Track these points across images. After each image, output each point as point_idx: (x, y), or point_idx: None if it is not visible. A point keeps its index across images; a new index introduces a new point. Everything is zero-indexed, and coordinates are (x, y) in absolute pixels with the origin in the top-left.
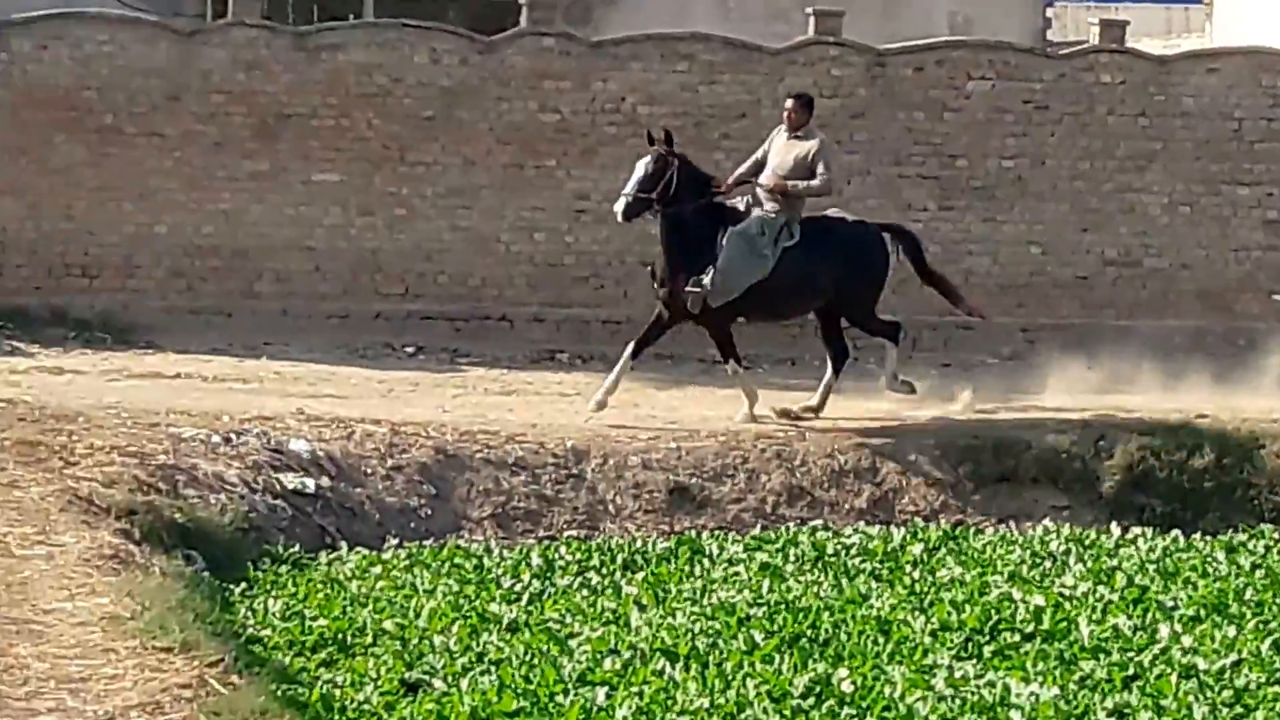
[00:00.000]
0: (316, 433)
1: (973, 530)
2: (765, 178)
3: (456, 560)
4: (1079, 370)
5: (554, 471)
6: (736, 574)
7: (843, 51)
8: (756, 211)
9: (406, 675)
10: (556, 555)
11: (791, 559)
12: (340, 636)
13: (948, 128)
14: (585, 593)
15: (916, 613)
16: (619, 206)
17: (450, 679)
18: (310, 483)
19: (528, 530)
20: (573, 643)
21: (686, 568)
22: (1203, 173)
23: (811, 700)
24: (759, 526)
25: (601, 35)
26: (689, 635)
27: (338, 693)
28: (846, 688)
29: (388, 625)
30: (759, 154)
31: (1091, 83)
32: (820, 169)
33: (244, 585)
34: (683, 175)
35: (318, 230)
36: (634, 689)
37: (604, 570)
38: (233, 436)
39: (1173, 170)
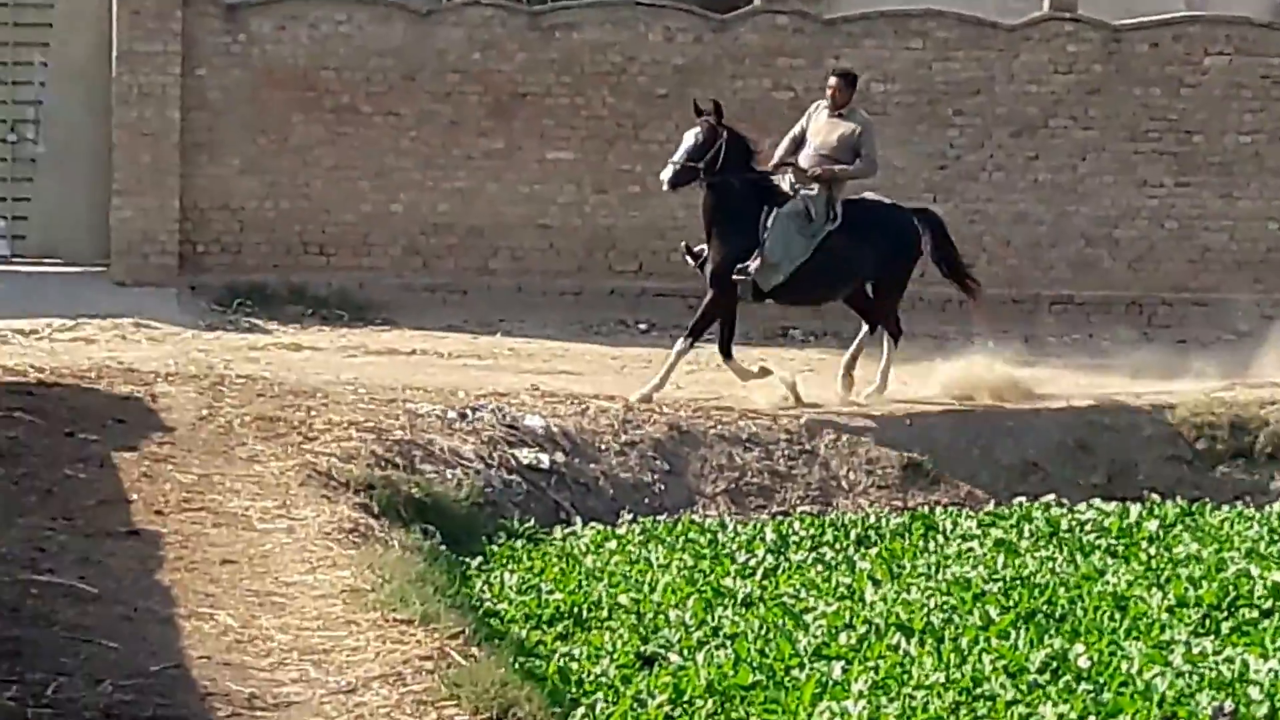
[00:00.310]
0: (551, 409)
1: (1209, 506)
2: (806, 158)
3: (691, 535)
4: None
5: (787, 447)
6: (971, 550)
7: (1078, 27)
8: (803, 192)
9: (642, 649)
10: (790, 531)
11: (1026, 535)
12: (576, 610)
13: (1184, 103)
14: (819, 568)
15: (1153, 589)
16: (665, 174)
17: (686, 653)
18: (545, 458)
19: (761, 506)
20: (808, 617)
21: (920, 543)
22: None
23: (1048, 676)
24: (992, 502)
25: (834, 13)
26: (924, 610)
27: (574, 666)
28: (1083, 663)
29: (623, 599)
30: (796, 130)
31: None
32: (864, 151)
33: (480, 559)
34: (731, 148)
35: (552, 208)
36: (869, 664)
37: (838, 546)
38: (468, 412)
39: None
